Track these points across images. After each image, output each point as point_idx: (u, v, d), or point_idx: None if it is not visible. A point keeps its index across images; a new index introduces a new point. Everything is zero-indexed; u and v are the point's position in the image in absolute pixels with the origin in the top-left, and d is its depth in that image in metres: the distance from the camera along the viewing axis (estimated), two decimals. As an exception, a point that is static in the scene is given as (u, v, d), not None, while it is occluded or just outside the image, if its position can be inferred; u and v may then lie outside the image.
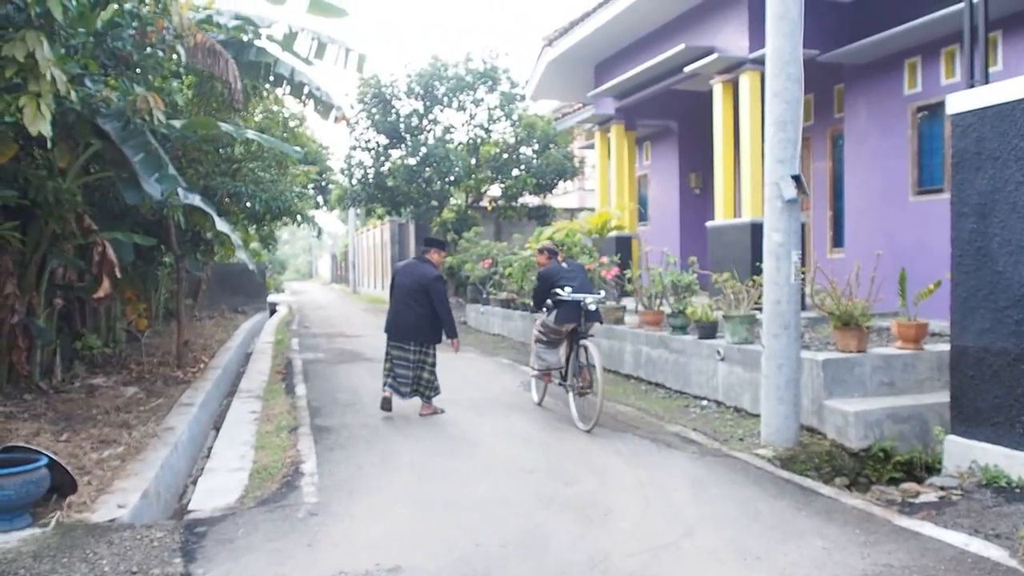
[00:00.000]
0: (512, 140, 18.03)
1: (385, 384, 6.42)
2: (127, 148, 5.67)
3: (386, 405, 6.34)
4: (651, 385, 7.66)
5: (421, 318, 6.28)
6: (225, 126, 6.81)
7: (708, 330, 7.01)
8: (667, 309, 7.75)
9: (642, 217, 13.49)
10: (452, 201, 18.79)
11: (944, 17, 7.07)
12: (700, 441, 5.43)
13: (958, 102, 4.59)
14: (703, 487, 4.34)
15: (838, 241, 9.61)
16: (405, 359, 6.34)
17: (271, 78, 8.22)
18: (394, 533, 3.65)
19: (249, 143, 8.71)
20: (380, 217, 23.93)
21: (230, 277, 17.27)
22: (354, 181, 18.05)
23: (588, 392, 5.93)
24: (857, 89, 8.81)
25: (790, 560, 3.31)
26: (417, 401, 6.50)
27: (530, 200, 19.25)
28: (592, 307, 6.04)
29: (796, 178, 5.10)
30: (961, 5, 4.81)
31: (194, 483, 4.79)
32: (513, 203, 18.54)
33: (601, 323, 6.74)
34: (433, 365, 6.41)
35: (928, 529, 3.65)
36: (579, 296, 6.02)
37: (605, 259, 9.43)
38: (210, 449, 5.58)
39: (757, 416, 5.71)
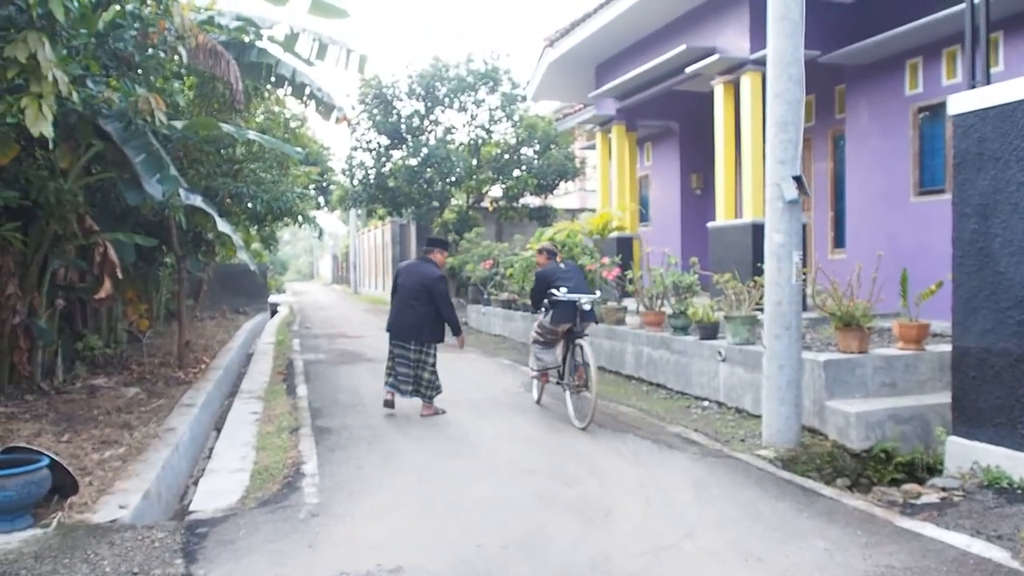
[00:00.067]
0: (513, 141, 18.03)
1: (386, 383, 6.51)
2: (129, 149, 5.68)
3: (388, 404, 6.50)
4: (652, 386, 7.66)
5: (423, 318, 6.31)
6: (226, 127, 6.81)
7: (709, 331, 7.01)
8: (668, 310, 7.75)
9: (643, 218, 13.49)
10: (453, 202, 18.79)
11: (945, 18, 7.06)
12: (701, 442, 5.42)
13: (959, 103, 4.59)
14: (704, 488, 4.34)
15: (839, 242, 9.60)
16: (406, 358, 6.39)
17: (272, 79, 8.23)
18: (395, 534, 3.65)
19: (250, 144, 8.71)
20: (381, 218, 23.93)
21: (231, 278, 17.29)
22: (355, 182, 18.05)
23: (584, 390, 6.02)
24: (858, 90, 8.81)
25: (791, 561, 3.31)
26: (418, 401, 6.52)
27: (531, 201, 19.24)
28: (587, 307, 6.13)
29: (797, 179, 5.10)
30: (962, 6, 4.81)
31: (195, 484, 4.80)
32: (514, 204, 18.54)
33: (596, 323, 6.87)
34: (434, 365, 6.42)
35: (930, 530, 3.64)
36: (574, 296, 6.12)
37: (606, 260, 9.43)
38: (211, 450, 5.58)
39: (758, 417, 5.70)
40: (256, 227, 12.97)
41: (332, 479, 4.55)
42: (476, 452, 5.24)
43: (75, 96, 4.72)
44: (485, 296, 14.07)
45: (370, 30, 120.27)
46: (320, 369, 9.34)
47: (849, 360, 5.63)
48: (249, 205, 9.92)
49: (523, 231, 17.96)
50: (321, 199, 21.42)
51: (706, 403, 6.72)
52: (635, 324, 8.38)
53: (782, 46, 5.15)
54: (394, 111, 17.21)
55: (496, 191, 18.96)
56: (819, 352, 5.91)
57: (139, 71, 5.85)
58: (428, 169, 16.78)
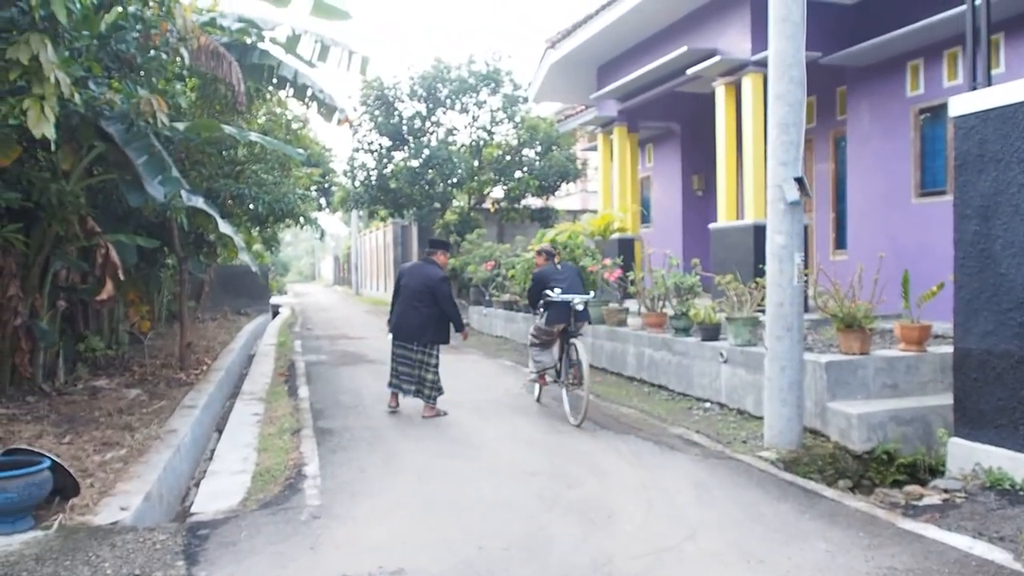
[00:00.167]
0: (515, 142, 18.04)
1: (389, 384, 6.58)
2: (130, 150, 5.69)
3: (393, 407, 6.63)
4: (654, 387, 7.65)
5: (426, 319, 6.35)
6: (228, 128, 6.82)
7: (711, 332, 7.01)
8: (670, 311, 7.75)
9: (645, 219, 13.48)
10: (455, 203, 18.80)
11: (946, 19, 7.06)
12: (703, 443, 5.42)
13: (961, 104, 4.58)
14: (706, 489, 4.33)
15: (841, 243, 9.59)
16: (409, 359, 6.43)
17: (274, 80, 8.24)
18: (397, 535, 3.65)
19: (252, 145, 8.73)
20: (383, 219, 23.96)
21: (233, 279, 17.30)
22: (357, 183, 18.07)
23: (577, 387, 6.13)
24: (859, 91, 8.80)
25: (793, 563, 3.30)
26: (419, 402, 6.53)
27: (533, 202, 19.24)
28: (579, 307, 6.28)
29: (799, 180, 5.10)
30: (963, 7, 4.80)
31: (197, 485, 4.80)
32: (516, 205, 18.54)
33: (590, 323, 7.07)
34: (436, 366, 6.44)
35: (932, 532, 3.64)
36: (567, 297, 6.27)
37: (608, 261, 9.42)
38: (213, 451, 5.58)
39: (760, 418, 5.69)
40: (258, 228, 12.98)
41: (333, 480, 4.55)
42: (478, 453, 5.24)
43: (77, 98, 4.73)
44: (487, 297, 14.07)
45: (372, 31, 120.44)
46: (322, 370, 9.34)
47: (851, 361, 5.62)
48: (251, 206, 9.92)
49: (525, 232, 17.94)
50: (323, 200, 21.43)
51: (708, 404, 6.72)
52: (637, 325, 8.37)
53: (783, 48, 5.15)
54: (396, 112, 17.23)
55: (498, 192, 18.97)
56: (821, 353, 5.90)
57: (141, 73, 5.86)
58: (430, 170, 16.80)
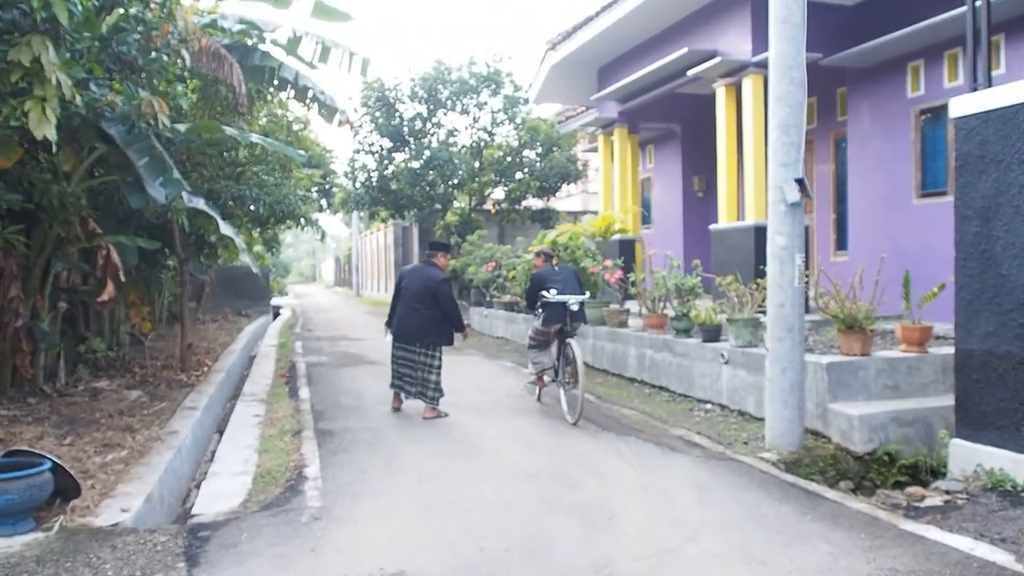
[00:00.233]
0: (515, 143, 18.05)
1: (392, 385, 6.63)
2: (132, 152, 5.69)
3: (395, 404, 6.70)
4: (655, 388, 7.65)
5: (428, 321, 6.38)
6: (229, 130, 6.83)
7: (712, 333, 7.00)
8: (671, 312, 7.74)
9: (645, 220, 13.48)
10: (455, 204, 18.81)
11: (947, 20, 7.06)
12: (704, 445, 5.41)
13: (961, 105, 4.58)
14: (707, 491, 4.33)
15: (842, 244, 9.59)
16: (410, 361, 6.45)
17: (275, 82, 8.25)
18: (398, 537, 3.65)
19: (253, 147, 8.74)
20: (384, 220, 23.98)
21: (234, 280, 17.31)
22: (358, 184, 18.08)
23: (573, 387, 6.23)
24: (860, 92, 8.80)
25: (795, 565, 3.30)
26: (420, 404, 6.54)
27: (533, 203, 19.25)
28: (574, 308, 6.40)
29: (800, 181, 5.10)
30: (963, 8, 4.80)
31: (197, 487, 4.79)
32: (516, 206, 18.55)
33: (585, 323, 7.31)
34: (439, 368, 6.47)
35: (933, 533, 3.63)
36: (563, 298, 6.39)
37: (609, 262, 9.42)
38: (213, 453, 5.58)
39: (761, 420, 5.69)
40: (259, 230, 13.00)
41: (334, 482, 4.55)
42: (479, 455, 5.24)
43: (78, 99, 4.74)
44: (487, 298, 14.08)
45: (370, 29, 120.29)
46: (322, 372, 9.34)
47: (852, 363, 5.61)
48: (252, 208, 9.93)
49: (525, 233, 17.95)
50: (323, 202, 21.45)
51: (709, 406, 6.71)
52: (637, 327, 8.37)
53: (784, 49, 5.15)
54: (396, 114, 17.24)
55: (498, 194, 18.98)
56: (822, 355, 5.90)
57: (142, 74, 5.87)
58: (430, 172, 16.81)
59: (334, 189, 20.71)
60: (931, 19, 7.22)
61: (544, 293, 6.49)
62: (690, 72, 9.20)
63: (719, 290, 7.23)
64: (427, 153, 16.78)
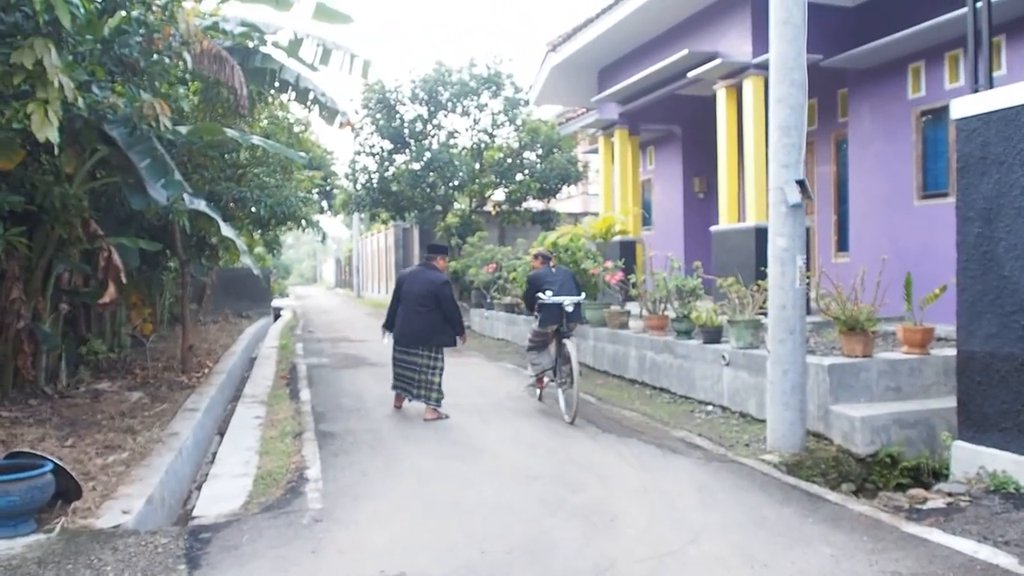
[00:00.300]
0: (516, 145, 18.06)
1: (393, 387, 6.69)
2: (133, 154, 5.70)
3: (398, 404, 6.77)
4: (656, 390, 7.64)
5: (430, 323, 6.42)
6: (231, 132, 6.84)
7: (713, 335, 7.00)
8: (671, 314, 7.74)
9: (646, 222, 13.48)
10: (456, 206, 18.81)
11: (947, 21, 7.06)
12: (705, 447, 5.41)
13: (962, 107, 4.58)
14: (709, 493, 4.32)
15: (843, 245, 9.58)
16: (413, 364, 6.48)
17: (276, 84, 8.27)
18: (399, 539, 3.65)
19: (254, 148, 8.75)
20: (384, 222, 23.99)
21: (235, 282, 17.31)
22: (358, 186, 18.09)
23: (569, 386, 6.33)
24: (861, 93, 8.80)
25: (797, 568, 3.29)
26: (421, 405, 6.55)
27: (534, 205, 19.25)
28: (570, 308, 6.52)
29: (800, 183, 5.10)
30: (964, 9, 4.80)
31: (198, 489, 4.79)
32: (517, 208, 18.55)
33: (582, 323, 7.50)
34: (441, 370, 6.51)
35: (936, 536, 3.62)
36: (559, 299, 6.51)
37: (609, 264, 9.42)
38: (214, 454, 5.58)
39: (763, 421, 5.68)
40: (259, 231, 13.01)
41: (335, 484, 4.55)
42: (479, 456, 5.24)
43: (81, 102, 4.75)
44: (488, 300, 14.08)
45: (371, 30, 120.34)
46: (323, 373, 9.34)
47: (853, 364, 5.61)
48: (253, 209, 9.94)
49: (526, 235, 17.95)
50: (324, 203, 21.46)
51: (710, 407, 6.70)
52: (638, 328, 8.37)
53: (784, 51, 5.15)
54: (397, 115, 17.26)
55: (499, 195, 18.98)
56: (823, 356, 5.89)
57: (144, 77, 5.88)
58: (431, 173, 16.82)
59: (335, 191, 20.72)
60: (932, 20, 7.22)
61: (540, 295, 6.61)
62: (691, 74, 9.20)
63: (720, 292, 7.23)
64: (428, 155, 16.79)
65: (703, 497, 4.25)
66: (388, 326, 6.76)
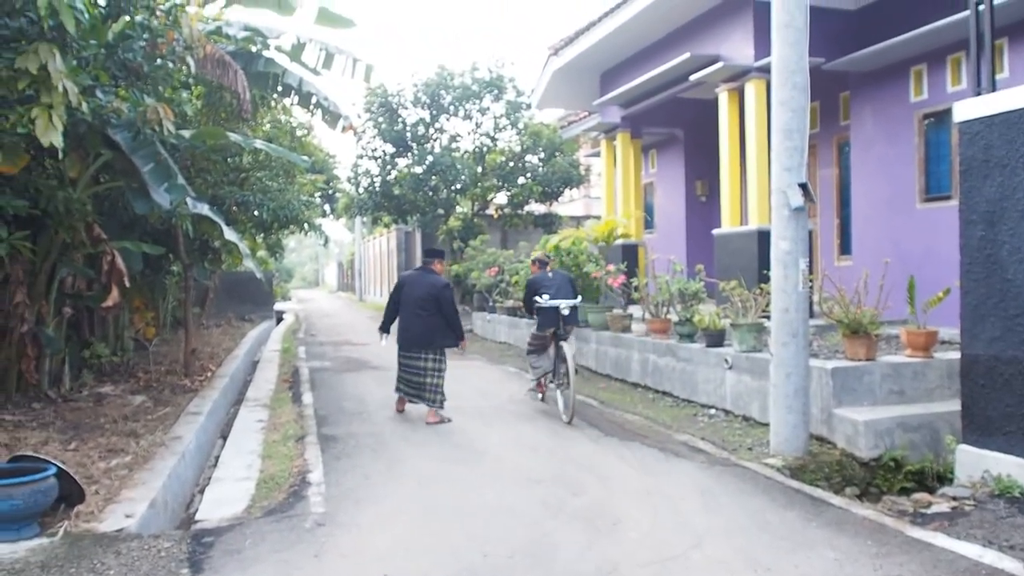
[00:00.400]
0: (518, 148, 18.09)
1: (397, 389, 6.74)
2: (137, 158, 5.72)
3: (400, 407, 6.81)
4: (658, 393, 7.63)
5: (433, 326, 6.47)
6: (233, 136, 6.86)
7: (716, 338, 6.99)
8: (674, 317, 7.73)
9: (648, 225, 13.48)
10: (458, 209, 18.84)
11: (950, 24, 7.06)
12: (708, 450, 5.39)
13: (965, 110, 4.58)
14: (712, 497, 4.31)
15: (845, 248, 9.57)
16: (416, 367, 6.51)
17: (279, 88, 8.30)
18: (401, 543, 3.64)
19: (257, 152, 8.77)
20: (386, 225, 24.00)
21: (237, 285, 17.35)
22: (361, 189, 18.13)
23: (567, 387, 6.42)
24: (863, 97, 8.80)
25: (801, 572, 3.28)
26: (423, 409, 6.55)
27: (536, 208, 19.27)
28: (566, 312, 6.66)
29: (803, 186, 5.09)
30: (966, 12, 4.80)
31: (201, 492, 4.80)
32: (519, 211, 18.57)
33: (578, 326, 7.61)
34: (444, 372, 6.56)
35: (941, 540, 3.61)
36: (555, 302, 6.65)
37: (612, 267, 9.42)
38: (217, 458, 5.58)
39: (766, 425, 5.67)
40: (262, 235, 13.02)
41: (338, 488, 4.54)
42: (482, 460, 5.23)
43: (84, 106, 4.77)
44: (490, 303, 14.08)
45: (368, 33, 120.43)
46: (325, 377, 9.34)
47: (857, 367, 5.59)
48: (255, 213, 9.95)
49: (528, 238, 17.96)
50: (327, 207, 21.50)
51: (713, 411, 6.69)
52: (641, 332, 8.36)
53: (786, 54, 5.16)
54: (399, 119, 17.30)
55: (501, 199, 19.01)
56: (826, 359, 5.87)
57: (148, 81, 5.90)
58: (433, 177, 16.85)
59: (337, 194, 20.77)
60: (934, 23, 7.22)
61: (537, 298, 6.76)
62: (693, 77, 9.21)
63: (723, 295, 7.22)
64: (430, 158, 16.82)
65: (706, 501, 4.23)
66: (385, 328, 6.85)
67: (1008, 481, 4.28)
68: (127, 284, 6.38)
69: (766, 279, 5.70)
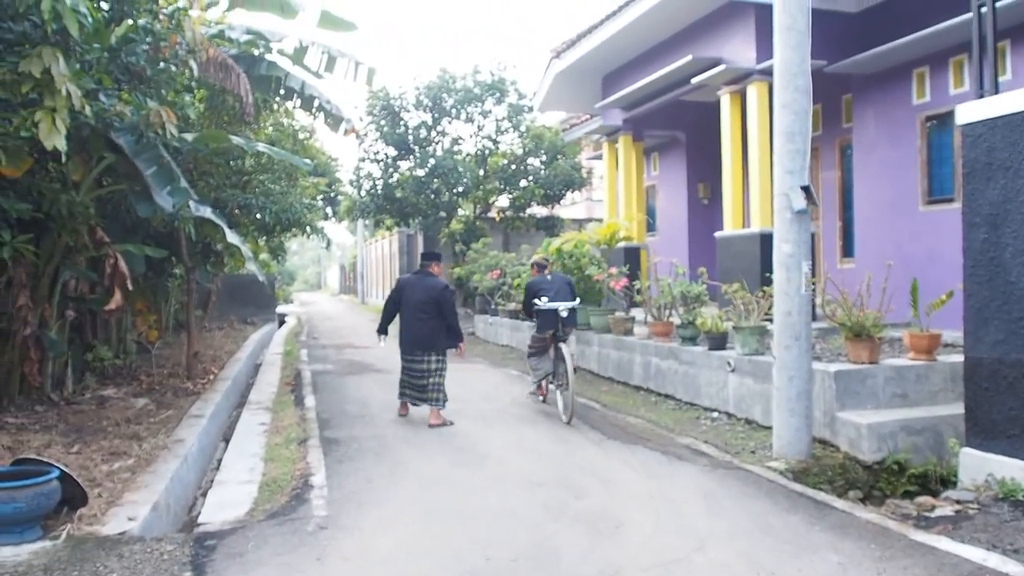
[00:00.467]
0: (520, 151, 18.11)
1: (401, 395, 6.77)
2: (140, 161, 5.74)
3: (403, 411, 6.84)
4: (661, 397, 7.62)
5: (434, 328, 6.51)
6: (236, 139, 6.87)
7: (718, 341, 6.98)
8: (676, 320, 7.72)
9: (650, 228, 13.47)
10: (460, 212, 18.86)
11: (952, 27, 7.06)
12: (711, 453, 5.38)
13: (968, 112, 4.57)
14: (715, 500, 4.30)
15: (848, 251, 9.56)
16: (419, 369, 6.54)
17: (281, 91, 8.31)
18: (403, 546, 3.64)
19: (259, 156, 8.79)
20: (389, 228, 24.03)
21: (240, 288, 17.36)
22: (363, 192, 18.16)
23: (566, 388, 6.47)
24: (865, 99, 8.80)
25: (804, 575, 3.27)
26: (426, 411, 6.55)
27: (538, 211, 19.28)
28: (564, 314, 6.73)
29: (805, 189, 5.09)
30: (969, 15, 4.80)
31: (204, 495, 4.80)
32: (521, 214, 18.58)
33: (576, 327, 7.68)
34: (445, 371, 6.59)
35: (944, 544, 3.59)
36: (553, 305, 6.72)
37: (614, 270, 9.41)
38: (220, 461, 5.59)
39: (769, 428, 5.66)
40: (264, 238, 13.04)
41: (340, 491, 4.54)
42: (484, 463, 5.23)
43: (88, 110, 4.78)
44: (492, 306, 14.08)
45: (368, 34, 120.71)
46: (328, 380, 9.34)
47: (860, 371, 5.58)
48: (258, 216, 9.98)
49: (530, 241, 17.98)
50: (329, 210, 21.54)
51: (715, 414, 6.68)
52: (643, 334, 8.35)
53: (788, 57, 5.16)
54: (401, 122, 17.34)
55: (503, 201, 19.03)
56: (829, 363, 5.86)
57: (151, 85, 5.92)
58: (435, 180, 16.87)
59: (339, 197, 20.80)
60: (936, 26, 7.21)
61: (536, 301, 6.82)
62: (694, 80, 9.21)
63: (725, 298, 7.21)
64: (432, 161, 16.84)
65: (709, 504, 4.22)
66: (383, 330, 6.91)
67: (1012, 484, 4.26)
68: (130, 287, 6.39)
69: (768, 282, 5.70)
